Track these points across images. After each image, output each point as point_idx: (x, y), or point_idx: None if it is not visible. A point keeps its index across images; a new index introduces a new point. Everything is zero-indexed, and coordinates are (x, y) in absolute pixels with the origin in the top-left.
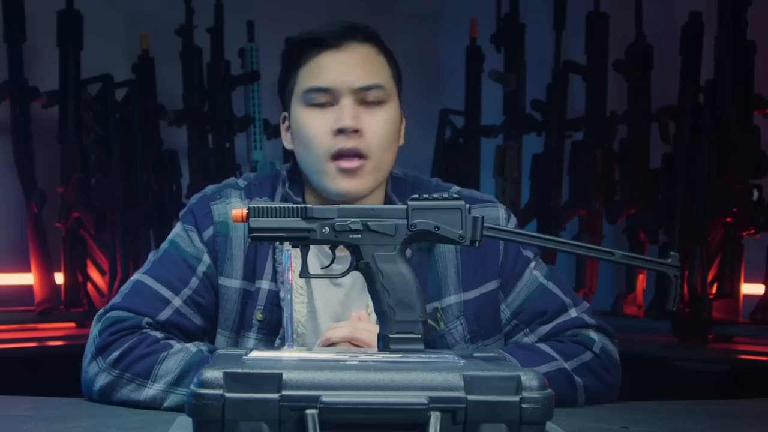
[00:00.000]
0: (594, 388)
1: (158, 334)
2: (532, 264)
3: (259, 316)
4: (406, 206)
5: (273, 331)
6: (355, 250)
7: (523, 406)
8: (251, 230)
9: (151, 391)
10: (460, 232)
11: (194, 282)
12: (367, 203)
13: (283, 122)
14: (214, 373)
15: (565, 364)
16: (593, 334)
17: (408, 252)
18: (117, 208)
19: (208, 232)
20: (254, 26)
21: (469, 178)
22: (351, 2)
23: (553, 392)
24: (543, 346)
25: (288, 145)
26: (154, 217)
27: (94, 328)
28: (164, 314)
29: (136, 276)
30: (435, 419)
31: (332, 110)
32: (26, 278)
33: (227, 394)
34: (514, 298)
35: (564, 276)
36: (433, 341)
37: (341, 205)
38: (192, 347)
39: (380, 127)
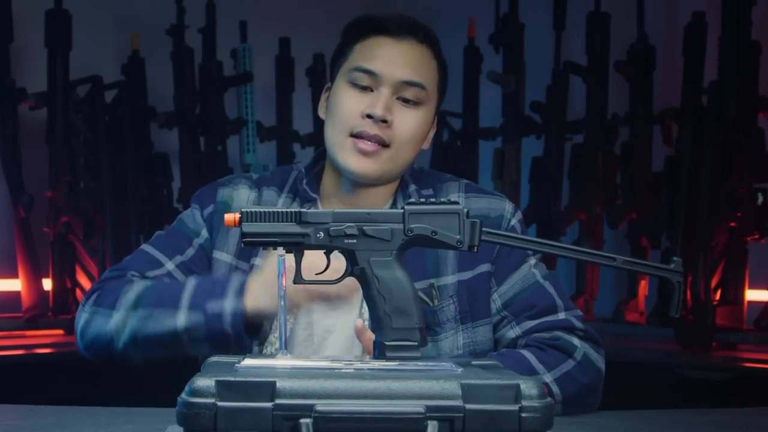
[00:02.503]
0: (574, 398)
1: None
2: (532, 261)
3: None
4: (402, 210)
5: None
6: (350, 256)
7: (523, 415)
8: (244, 235)
9: (113, 320)
10: (458, 236)
11: (190, 252)
12: (377, 195)
13: (325, 92)
14: (205, 382)
15: (547, 377)
16: (576, 341)
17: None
18: (106, 212)
19: (209, 209)
20: (247, 26)
21: None
22: (346, 1)
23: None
24: (528, 355)
25: (322, 115)
26: (144, 221)
27: None
28: (153, 273)
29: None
30: (432, 429)
31: (370, 96)
32: (13, 284)
33: (219, 403)
34: (508, 289)
35: (564, 283)
36: (425, 315)
37: (336, 210)
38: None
39: (409, 125)
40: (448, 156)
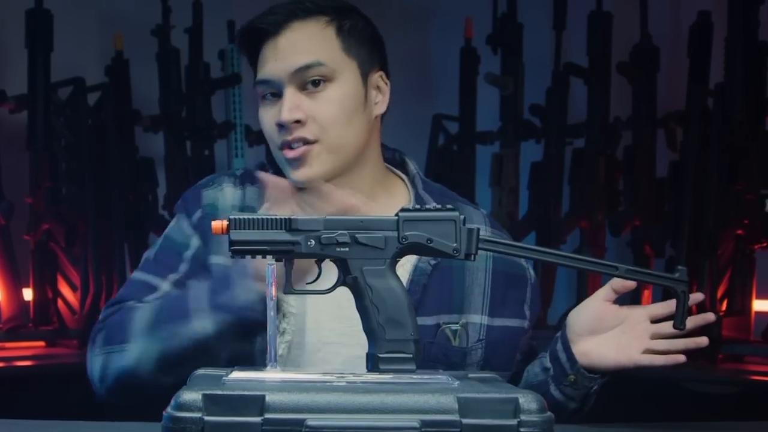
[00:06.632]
0: None
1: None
2: None
3: None
4: (396, 217)
5: None
6: (342, 264)
7: (522, 430)
8: (231, 243)
9: (131, 353)
10: (454, 244)
11: (183, 267)
12: (362, 185)
13: None
14: (192, 395)
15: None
16: None
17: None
18: (89, 219)
19: (197, 215)
20: (235, 26)
21: (464, 187)
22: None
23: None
24: None
25: None
26: (128, 228)
27: None
28: (150, 297)
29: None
30: None
31: (278, 103)
32: None
33: (206, 418)
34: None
35: (564, 292)
36: (455, 356)
37: (328, 216)
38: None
39: (325, 110)
40: (444, 160)
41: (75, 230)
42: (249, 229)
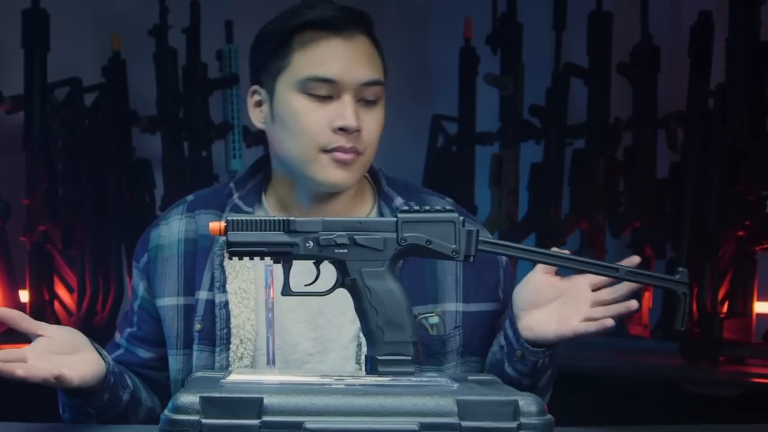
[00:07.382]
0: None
1: None
2: None
3: (197, 326)
4: (395, 219)
5: (212, 341)
6: (340, 266)
7: None
8: (229, 244)
9: None
10: (454, 246)
11: (134, 318)
12: (344, 202)
13: (252, 96)
14: (189, 398)
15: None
16: None
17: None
18: (86, 220)
19: (143, 260)
20: (233, 26)
21: (463, 188)
22: (336, 0)
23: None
24: None
25: (259, 124)
26: (125, 230)
27: None
28: (113, 356)
29: None
30: None
31: (333, 105)
32: None
33: (204, 420)
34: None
35: None
36: (434, 345)
37: (326, 218)
38: None
39: (375, 127)
40: (444, 161)
41: (72, 232)
42: (247, 230)
